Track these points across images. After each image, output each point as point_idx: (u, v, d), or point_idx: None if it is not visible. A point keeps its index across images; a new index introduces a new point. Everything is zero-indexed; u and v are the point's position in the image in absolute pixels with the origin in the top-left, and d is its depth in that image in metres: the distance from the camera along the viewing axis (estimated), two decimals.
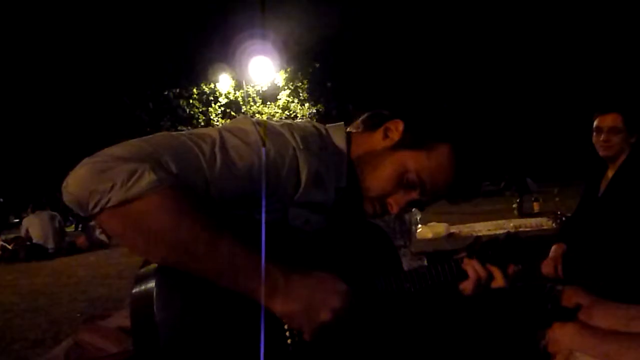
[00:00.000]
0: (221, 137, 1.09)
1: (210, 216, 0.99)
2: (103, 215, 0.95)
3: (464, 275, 1.34)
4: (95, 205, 0.93)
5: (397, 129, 1.28)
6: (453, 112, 1.31)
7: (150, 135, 1.07)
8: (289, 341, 1.07)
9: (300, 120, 1.35)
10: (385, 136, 1.29)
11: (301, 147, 1.15)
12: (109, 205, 0.93)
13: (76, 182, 0.95)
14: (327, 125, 1.34)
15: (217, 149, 1.06)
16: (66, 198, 0.97)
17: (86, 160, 0.97)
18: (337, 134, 1.31)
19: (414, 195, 1.27)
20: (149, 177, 0.93)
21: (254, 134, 1.12)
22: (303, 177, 1.14)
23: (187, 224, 0.96)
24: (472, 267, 1.34)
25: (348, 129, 1.38)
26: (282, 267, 1.02)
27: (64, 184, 0.96)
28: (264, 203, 1.09)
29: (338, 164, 1.26)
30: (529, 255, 1.44)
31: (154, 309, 0.97)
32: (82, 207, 0.95)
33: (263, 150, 1.10)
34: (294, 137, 1.16)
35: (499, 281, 1.36)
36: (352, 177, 1.28)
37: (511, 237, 1.42)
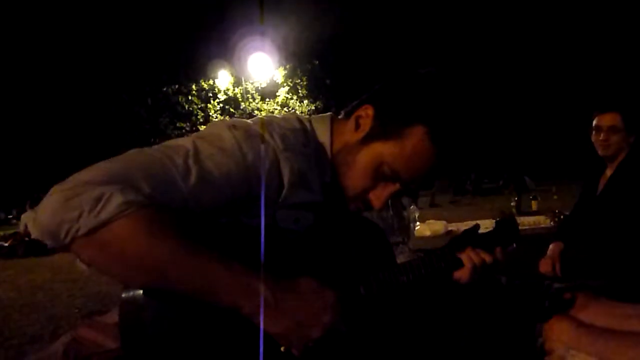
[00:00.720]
0: (195, 147, 1.04)
1: (186, 235, 0.95)
2: (75, 245, 0.91)
3: (458, 262, 1.33)
4: (66, 235, 0.89)
5: (367, 115, 1.20)
6: (426, 90, 1.18)
7: (121, 155, 1.03)
8: (282, 349, 1.06)
9: (285, 113, 1.31)
10: (357, 126, 1.21)
11: (281, 147, 1.10)
12: (79, 234, 0.89)
13: (45, 214, 0.90)
14: (313, 116, 1.29)
15: (190, 161, 1.01)
16: (38, 230, 0.91)
17: (55, 187, 0.93)
18: (320, 127, 1.25)
19: (395, 187, 1.20)
20: (116, 200, 0.89)
21: (230, 140, 1.07)
22: (285, 178, 1.10)
23: (161, 247, 0.92)
24: (466, 254, 1.33)
25: (339, 117, 1.31)
26: (269, 283, 0.98)
27: (33, 216, 0.92)
28: (262, 210, 1.06)
29: (320, 160, 1.20)
30: (519, 234, 1.45)
31: (143, 314, 0.96)
32: (54, 239, 0.91)
33: (240, 155, 1.06)
34: (273, 138, 1.11)
35: (493, 264, 1.35)
36: (335, 171, 1.22)
37: (504, 220, 1.43)
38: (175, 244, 0.93)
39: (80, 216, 0.88)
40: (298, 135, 1.17)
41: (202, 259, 0.94)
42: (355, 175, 1.19)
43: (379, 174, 1.18)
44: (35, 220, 0.91)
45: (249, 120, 1.16)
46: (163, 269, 0.92)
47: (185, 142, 1.06)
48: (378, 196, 1.21)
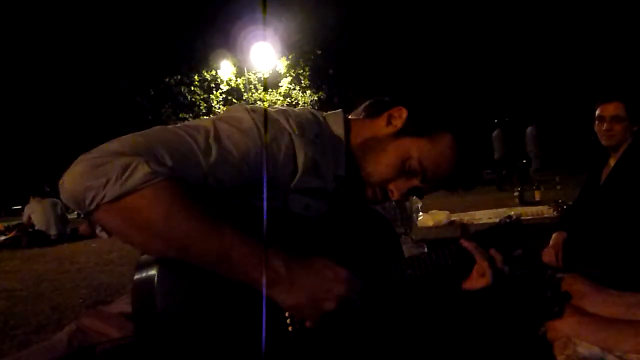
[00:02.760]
0: (215, 127, 1.08)
1: (206, 207, 0.98)
2: (100, 212, 0.94)
3: (464, 258, 1.34)
4: (92, 202, 0.92)
5: (400, 116, 1.29)
6: (455, 102, 1.33)
7: (146, 130, 1.06)
8: (290, 328, 1.08)
9: (300, 107, 1.34)
10: (389, 123, 1.29)
11: (297, 132, 1.14)
12: (104, 200, 0.92)
13: (72, 179, 0.94)
14: (326, 113, 1.34)
15: (211, 140, 1.05)
16: (63, 195, 0.95)
17: (82, 156, 0.96)
18: (335, 121, 1.31)
19: (415, 182, 1.28)
20: (143, 170, 0.92)
21: (249, 122, 1.11)
22: (300, 163, 1.14)
23: (183, 217, 0.95)
24: (476, 251, 1.33)
25: (349, 116, 1.37)
26: (283, 256, 1.01)
27: (61, 181, 0.95)
28: (265, 191, 1.08)
29: (335, 151, 1.25)
30: (529, 239, 1.44)
31: (155, 296, 0.98)
32: (79, 204, 0.94)
33: (258, 136, 1.09)
34: (290, 123, 1.15)
35: (500, 266, 1.35)
36: (351, 164, 1.27)
37: (510, 224, 1.42)
38: (197, 215, 0.96)
39: (106, 183, 0.91)
40: (312, 126, 1.21)
41: (221, 231, 0.97)
42: (382, 163, 1.27)
43: (404, 167, 1.26)
44: (63, 186, 0.95)
45: (266, 107, 1.20)
46: (183, 238, 0.95)
47: (206, 123, 1.11)
48: (399, 188, 1.28)
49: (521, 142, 13.84)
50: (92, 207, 0.93)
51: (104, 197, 0.91)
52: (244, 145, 1.08)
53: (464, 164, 1.29)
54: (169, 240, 0.96)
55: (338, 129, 1.29)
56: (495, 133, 13.44)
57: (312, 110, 1.30)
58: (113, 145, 0.98)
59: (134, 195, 0.92)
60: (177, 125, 1.11)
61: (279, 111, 1.19)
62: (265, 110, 1.16)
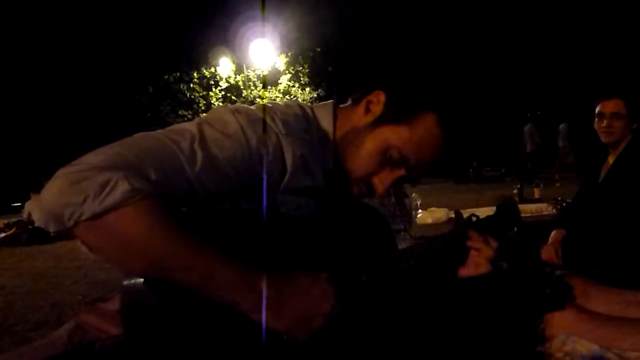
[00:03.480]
0: (200, 132, 1.05)
1: (187, 229, 0.95)
2: (78, 229, 0.91)
3: (459, 246, 1.32)
4: (69, 219, 0.89)
5: (378, 100, 1.23)
6: (438, 78, 1.24)
7: (128, 138, 1.03)
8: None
9: (287, 100, 1.31)
10: (367, 110, 1.24)
11: (283, 132, 1.11)
12: (82, 218, 0.89)
13: (50, 196, 0.91)
14: (315, 104, 1.30)
15: (196, 145, 1.02)
16: (42, 212, 0.92)
17: (60, 171, 0.93)
18: (323, 113, 1.26)
19: (400, 172, 1.22)
20: (122, 187, 0.89)
21: (234, 124, 1.07)
22: (288, 163, 1.11)
23: (163, 239, 0.92)
24: (472, 239, 1.31)
25: (340, 106, 1.32)
26: (270, 280, 0.98)
27: (40, 197, 0.92)
28: (265, 196, 1.07)
29: (323, 146, 1.21)
30: (520, 218, 1.44)
31: (144, 300, 0.97)
32: (57, 221, 0.91)
33: (245, 140, 1.06)
34: (275, 123, 1.12)
35: (495, 250, 1.32)
36: (338, 157, 1.23)
37: (503, 204, 1.42)
38: (178, 236, 0.93)
39: (85, 201, 0.88)
40: (299, 121, 1.18)
41: (203, 255, 0.94)
42: (362, 157, 1.21)
43: (385, 158, 1.21)
44: (41, 202, 0.92)
45: (250, 106, 1.17)
46: (164, 260, 0.92)
47: (190, 126, 1.07)
48: (382, 180, 1.23)
49: (553, 137, 14.09)
50: (71, 224, 0.90)
51: (81, 214, 0.88)
52: (230, 149, 1.05)
53: (452, 143, 1.22)
54: (148, 262, 0.93)
55: (326, 121, 1.25)
56: (527, 127, 13.74)
57: (301, 103, 1.26)
58: (93, 158, 0.94)
59: (113, 213, 0.89)
60: (160, 131, 1.07)
61: (264, 109, 1.15)
62: (249, 110, 1.13)
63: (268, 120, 1.12)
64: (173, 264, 0.93)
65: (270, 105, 1.18)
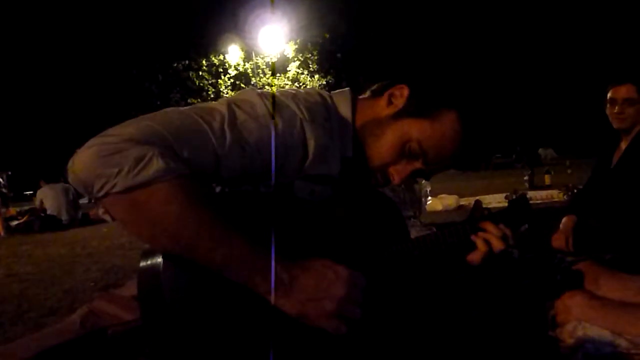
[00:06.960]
0: (230, 112, 1.07)
1: (215, 210, 0.97)
2: (108, 200, 0.93)
3: (472, 237, 1.31)
4: (101, 189, 0.91)
5: (402, 94, 1.25)
6: (461, 77, 1.27)
7: (161, 112, 1.05)
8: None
9: (305, 88, 1.32)
10: (390, 102, 1.26)
11: (307, 119, 1.12)
12: (114, 190, 0.91)
13: (82, 164, 0.92)
14: (333, 92, 1.31)
15: (226, 126, 1.04)
16: (71, 178, 0.94)
17: (93, 140, 0.94)
18: (342, 102, 1.28)
19: (417, 165, 1.24)
20: (156, 165, 0.91)
21: (262, 107, 1.09)
22: (310, 149, 1.12)
23: (192, 218, 0.94)
24: (486, 227, 1.30)
25: (358, 97, 1.34)
26: (284, 263, 1.00)
27: (70, 163, 0.94)
28: (274, 179, 1.08)
29: (343, 134, 1.23)
30: (534, 215, 1.43)
31: (160, 282, 0.97)
32: (87, 189, 0.94)
33: (271, 123, 1.08)
34: (300, 109, 1.13)
35: (508, 241, 1.31)
36: (357, 146, 1.25)
37: (515, 200, 1.41)
38: (205, 216, 0.95)
39: (118, 173, 0.90)
40: (320, 109, 1.19)
41: (228, 235, 0.96)
42: (382, 147, 1.23)
43: (404, 150, 1.22)
44: (72, 169, 0.94)
45: (276, 92, 1.18)
46: (190, 238, 0.94)
47: (221, 106, 1.09)
48: (399, 171, 1.24)
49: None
50: (101, 194, 0.92)
51: (114, 186, 0.90)
52: (258, 132, 1.06)
53: (471, 142, 1.24)
54: (176, 239, 0.95)
55: (345, 110, 1.26)
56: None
57: (320, 91, 1.27)
58: (127, 130, 0.96)
59: (144, 189, 0.91)
60: (191, 107, 1.09)
61: (288, 95, 1.17)
62: (275, 95, 1.15)
63: (293, 106, 1.13)
64: (199, 244, 0.94)
65: (294, 92, 1.20)
